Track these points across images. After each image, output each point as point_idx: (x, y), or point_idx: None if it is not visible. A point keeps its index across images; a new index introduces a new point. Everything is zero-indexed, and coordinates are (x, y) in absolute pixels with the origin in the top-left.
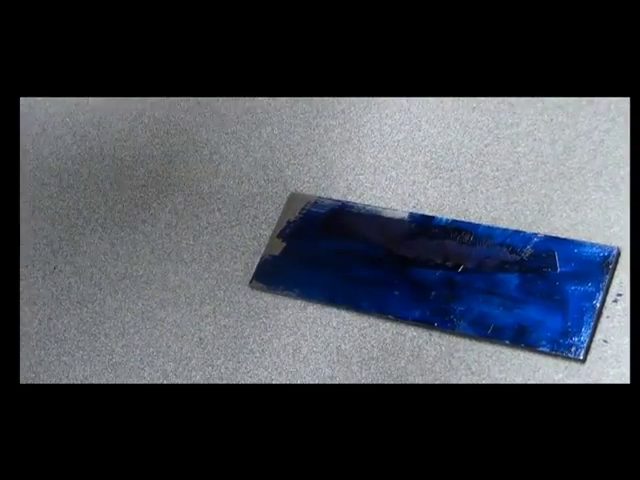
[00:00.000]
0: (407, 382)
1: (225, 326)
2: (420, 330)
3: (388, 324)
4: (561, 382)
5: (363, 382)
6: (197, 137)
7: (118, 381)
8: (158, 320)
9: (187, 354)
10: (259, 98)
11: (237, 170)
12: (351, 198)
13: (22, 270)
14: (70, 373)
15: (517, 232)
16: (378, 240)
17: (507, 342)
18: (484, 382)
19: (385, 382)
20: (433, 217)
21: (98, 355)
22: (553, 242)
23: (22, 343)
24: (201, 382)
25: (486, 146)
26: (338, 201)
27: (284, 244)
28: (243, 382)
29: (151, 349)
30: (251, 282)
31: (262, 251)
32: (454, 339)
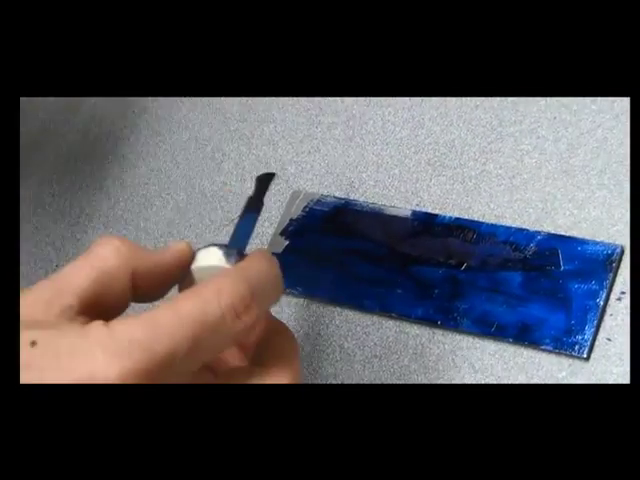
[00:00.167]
0: (410, 380)
1: None
2: (423, 328)
3: (391, 322)
4: (564, 380)
5: (366, 380)
6: (199, 134)
7: None
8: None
9: None
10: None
11: (240, 168)
12: (354, 196)
13: (23, 268)
14: None
15: (520, 230)
16: (381, 238)
17: (510, 340)
18: (487, 380)
19: (388, 380)
20: (436, 215)
21: None
22: (556, 240)
23: None
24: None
25: (489, 144)
26: (341, 199)
27: (287, 242)
28: None
29: None
30: None
31: (265, 249)
32: (457, 337)
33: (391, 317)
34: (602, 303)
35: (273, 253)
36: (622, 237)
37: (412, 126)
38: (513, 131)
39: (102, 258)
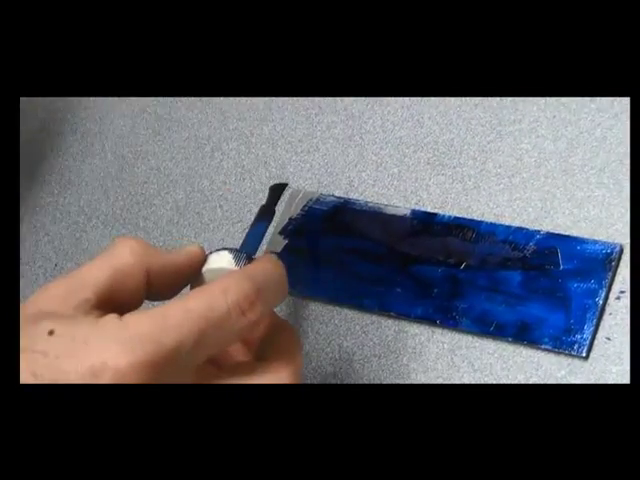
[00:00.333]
0: (409, 379)
1: None
2: (422, 327)
3: (390, 321)
4: (563, 379)
5: (365, 379)
6: (199, 134)
7: None
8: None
9: None
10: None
11: (239, 167)
12: (353, 195)
13: (22, 267)
14: None
15: (520, 229)
16: (380, 237)
17: (509, 339)
18: (486, 379)
19: (387, 379)
20: (435, 214)
21: None
22: (556, 239)
23: None
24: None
25: (489, 143)
26: (340, 198)
27: (286, 241)
28: None
29: None
30: None
31: (264, 248)
32: (456, 336)
33: (390, 316)
34: (601, 302)
35: (273, 252)
36: (621, 236)
37: (411, 125)
38: (512, 130)
39: (118, 256)
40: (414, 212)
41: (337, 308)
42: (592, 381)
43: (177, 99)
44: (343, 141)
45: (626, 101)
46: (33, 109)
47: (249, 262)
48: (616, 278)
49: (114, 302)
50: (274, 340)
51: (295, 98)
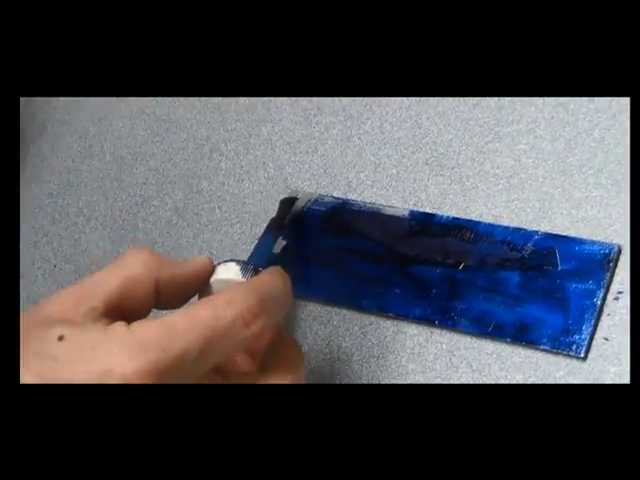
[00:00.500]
0: (408, 380)
1: None
2: (421, 328)
3: (389, 322)
4: (562, 380)
5: (363, 380)
6: (197, 134)
7: None
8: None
9: None
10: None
11: (237, 168)
12: (352, 195)
13: (22, 268)
14: None
15: (518, 229)
16: (379, 238)
17: (508, 340)
18: (485, 380)
19: (385, 380)
20: (434, 215)
21: None
22: (554, 239)
23: None
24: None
25: (487, 143)
26: (339, 198)
27: (284, 242)
28: None
29: None
30: None
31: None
32: (455, 337)
33: (389, 317)
34: (599, 303)
35: (271, 253)
36: (619, 236)
37: (410, 126)
38: (510, 131)
39: (129, 266)
40: (412, 213)
41: (335, 309)
42: (590, 381)
43: (175, 100)
44: (341, 142)
45: (624, 101)
46: (33, 109)
47: (256, 274)
48: (614, 279)
49: (123, 310)
50: (277, 352)
51: (294, 99)
